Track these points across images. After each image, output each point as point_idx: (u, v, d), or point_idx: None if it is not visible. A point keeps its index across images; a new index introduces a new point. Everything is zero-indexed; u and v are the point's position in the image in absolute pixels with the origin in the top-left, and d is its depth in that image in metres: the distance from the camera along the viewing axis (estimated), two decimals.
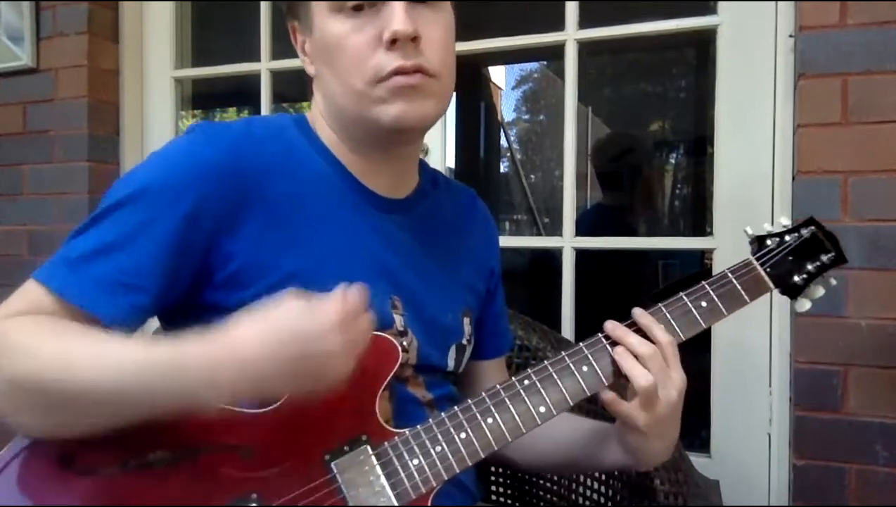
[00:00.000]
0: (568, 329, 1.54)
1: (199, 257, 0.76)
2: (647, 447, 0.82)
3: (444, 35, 0.82)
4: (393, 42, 0.76)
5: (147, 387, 0.64)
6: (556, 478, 1.18)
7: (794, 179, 1.33)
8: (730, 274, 0.87)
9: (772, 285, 0.88)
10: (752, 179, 1.38)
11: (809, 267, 0.89)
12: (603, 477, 1.11)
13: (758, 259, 0.88)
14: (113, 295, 0.72)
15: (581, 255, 1.56)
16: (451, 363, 0.91)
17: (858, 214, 1.22)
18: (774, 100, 1.37)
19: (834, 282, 0.91)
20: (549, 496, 1.18)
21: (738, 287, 0.86)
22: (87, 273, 0.72)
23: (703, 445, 1.44)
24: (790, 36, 1.35)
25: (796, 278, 0.88)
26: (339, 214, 0.84)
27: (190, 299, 0.78)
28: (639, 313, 0.83)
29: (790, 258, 0.89)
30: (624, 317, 0.83)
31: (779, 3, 1.36)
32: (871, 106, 1.22)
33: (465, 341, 0.93)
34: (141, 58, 1.97)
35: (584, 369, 0.79)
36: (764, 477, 1.37)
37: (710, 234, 1.46)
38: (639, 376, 0.77)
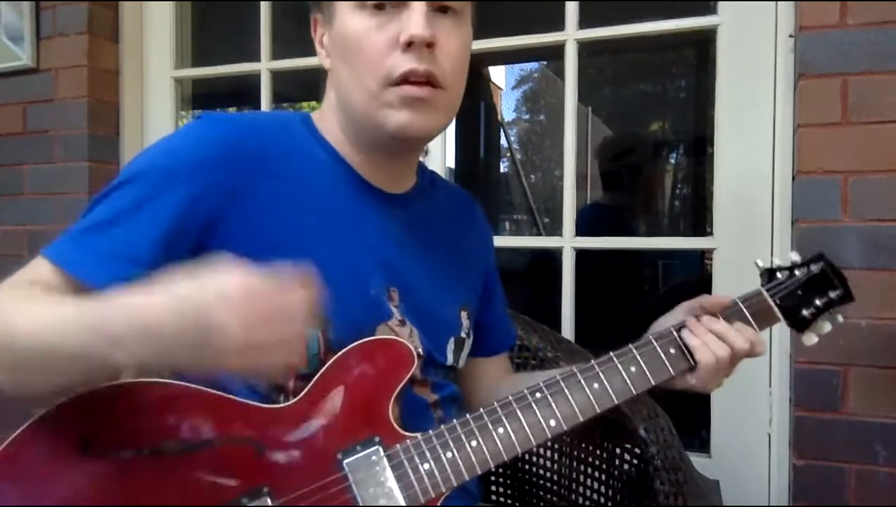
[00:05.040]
0: (568, 329, 1.54)
1: (198, 238, 0.77)
2: None
3: (460, 47, 0.83)
4: (408, 45, 0.77)
5: (78, 345, 0.63)
6: (556, 478, 1.18)
7: (794, 179, 1.33)
8: (739, 302, 0.88)
9: (780, 317, 0.89)
10: (752, 179, 1.39)
11: (818, 302, 0.90)
12: (603, 477, 1.11)
13: (768, 290, 0.90)
14: (107, 265, 0.73)
15: (581, 255, 1.56)
16: (450, 357, 0.92)
17: (858, 214, 1.22)
18: (774, 100, 1.37)
19: (841, 319, 0.92)
20: (549, 496, 1.18)
21: (747, 315, 0.87)
22: (85, 245, 0.75)
23: (703, 445, 1.44)
24: (790, 36, 1.35)
25: (805, 312, 0.90)
26: (338, 204, 0.85)
27: None
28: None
29: (799, 292, 0.90)
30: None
31: (779, 3, 1.36)
32: (871, 106, 1.22)
33: (463, 335, 0.94)
34: (141, 58, 1.97)
35: (595, 386, 0.81)
36: (764, 477, 1.37)
37: (710, 234, 1.46)
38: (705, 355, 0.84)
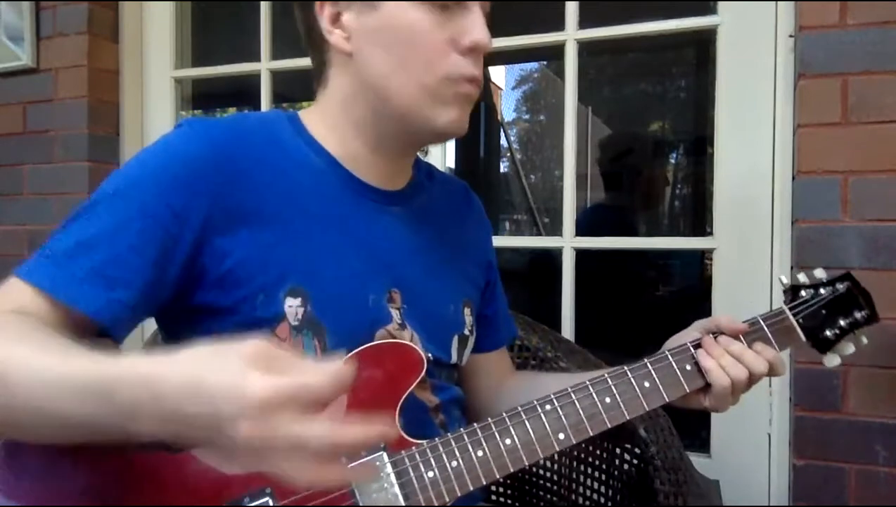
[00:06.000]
0: (568, 329, 1.54)
1: (189, 255, 0.75)
2: None
3: None
4: (471, 50, 0.80)
5: (83, 411, 0.58)
6: (556, 478, 1.18)
7: (794, 179, 1.33)
8: (761, 321, 0.86)
9: (803, 337, 0.87)
10: (752, 179, 1.39)
11: (842, 323, 0.87)
12: (603, 477, 1.11)
13: (791, 309, 0.87)
14: (96, 288, 0.70)
15: (581, 255, 1.56)
16: (454, 355, 0.91)
17: (858, 214, 1.22)
18: (774, 100, 1.37)
19: (866, 341, 0.90)
20: (549, 496, 1.18)
21: (769, 334, 0.85)
22: (69, 268, 0.71)
23: (703, 445, 1.44)
24: (790, 36, 1.35)
25: (828, 333, 0.87)
26: (332, 207, 0.83)
27: (183, 302, 0.77)
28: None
29: (823, 312, 0.87)
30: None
31: (779, 3, 1.36)
32: (871, 106, 1.22)
33: (466, 332, 0.93)
34: (141, 58, 1.97)
35: (607, 400, 0.80)
36: (764, 477, 1.37)
37: (710, 234, 1.46)
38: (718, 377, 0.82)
